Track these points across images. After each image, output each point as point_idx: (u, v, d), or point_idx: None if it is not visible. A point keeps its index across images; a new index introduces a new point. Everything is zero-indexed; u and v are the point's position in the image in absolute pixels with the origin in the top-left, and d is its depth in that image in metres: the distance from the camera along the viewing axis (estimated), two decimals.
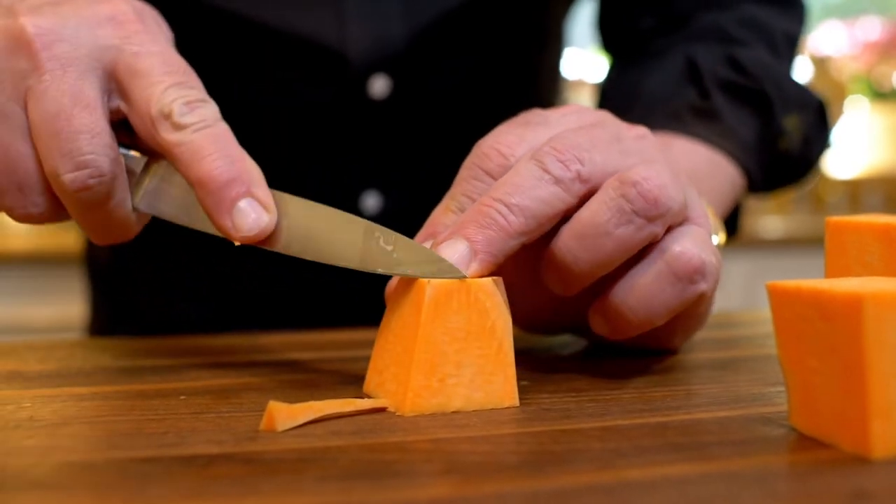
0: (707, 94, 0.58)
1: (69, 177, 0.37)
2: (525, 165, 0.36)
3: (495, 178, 0.38)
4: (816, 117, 0.63)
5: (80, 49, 0.38)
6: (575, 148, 0.37)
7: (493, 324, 0.35)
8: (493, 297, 0.35)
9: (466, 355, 0.34)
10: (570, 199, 0.36)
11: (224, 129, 0.38)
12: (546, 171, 0.36)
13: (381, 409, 0.34)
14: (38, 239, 1.89)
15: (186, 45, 0.66)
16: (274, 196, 0.38)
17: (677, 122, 0.57)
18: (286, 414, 0.32)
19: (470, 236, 0.35)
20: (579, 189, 0.37)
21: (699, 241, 0.38)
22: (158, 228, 0.49)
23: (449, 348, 0.34)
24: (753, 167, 0.59)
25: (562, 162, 0.36)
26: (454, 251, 0.35)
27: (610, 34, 0.72)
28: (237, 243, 0.37)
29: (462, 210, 0.38)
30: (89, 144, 0.37)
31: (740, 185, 0.59)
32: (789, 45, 0.65)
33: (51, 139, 0.37)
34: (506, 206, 0.35)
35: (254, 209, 0.37)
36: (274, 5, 0.61)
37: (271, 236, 0.37)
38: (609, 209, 0.36)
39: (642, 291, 0.38)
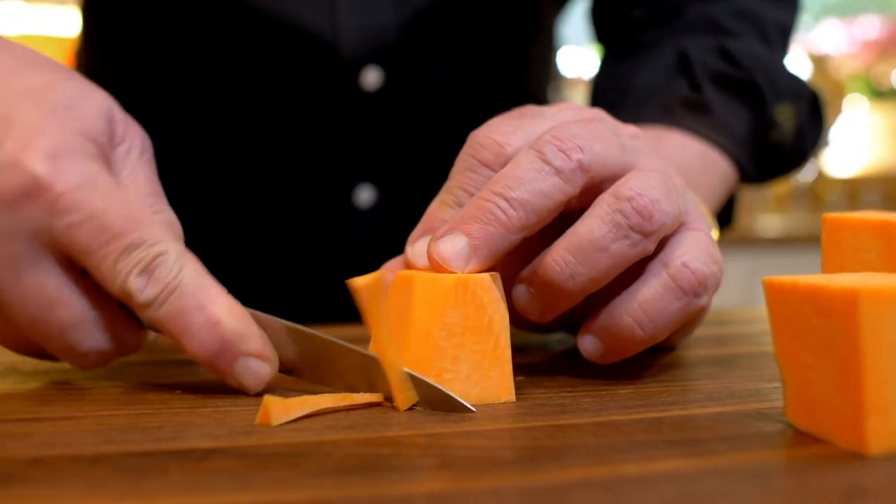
0: (698, 87, 0.58)
1: (79, 363, 0.36)
2: (525, 157, 0.36)
3: (492, 169, 0.38)
4: (810, 108, 0.63)
5: (14, 243, 0.34)
6: (575, 137, 0.36)
7: (490, 319, 0.35)
8: (490, 293, 0.35)
9: (463, 350, 0.34)
10: (571, 190, 0.36)
11: (191, 282, 0.34)
12: (546, 161, 0.36)
13: (377, 404, 0.34)
14: None
15: (182, 36, 0.66)
16: (275, 330, 0.36)
17: (669, 116, 0.57)
18: (281, 408, 0.32)
19: (470, 232, 0.35)
20: (580, 179, 0.36)
21: (702, 252, 0.38)
22: None
23: (446, 343, 0.34)
24: (746, 160, 0.59)
25: (563, 151, 0.36)
26: (453, 246, 0.35)
27: (602, 26, 0.72)
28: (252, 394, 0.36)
29: (459, 204, 0.38)
30: (82, 337, 0.35)
31: (733, 179, 0.59)
32: (782, 36, 0.65)
33: (44, 341, 0.35)
34: (506, 200, 0.35)
35: (251, 367, 0.35)
36: None
37: (283, 367, 0.36)
38: (605, 224, 0.36)
39: (650, 306, 0.37)
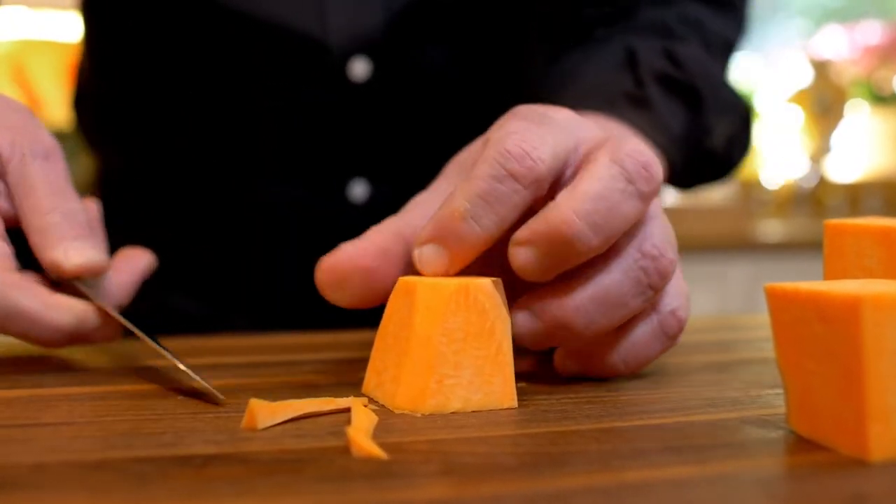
0: (642, 83, 0.59)
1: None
2: (608, 170, 0.34)
3: (521, 184, 0.35)
4: (742, 120, 0.64)
5: None
6: (646, 153, 0.35)
7: (492, 325, 0.35)
8: (492, 299, 0.35)
9: (465, 356, 0.34)
10: (641, 214, 0.36)
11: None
12: (631, 181, 0.35)
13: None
14: None
15: (175, 37, 0.66)
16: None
17: (611, 108, 0.58)
18: (267, 412, 0.32)
19: (546, 250, 0.34)
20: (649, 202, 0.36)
21: (684, 297, 0.39)
22: (157, 225, 0.49)
23: (447, 349, 0.34)
24: (678, 160, 0.60)
25: (646, 170, 0.35)
26: (527, 259, 0.35)
27: (553, 23, 0.72)
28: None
29: (476, 217, 0.35)
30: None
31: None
32: (724, 49, 0.66)
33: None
34: (590, 226, 0.34)
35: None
36: None
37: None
38: (629, 280, 0.36)
39: (638, 349, 0.38)
